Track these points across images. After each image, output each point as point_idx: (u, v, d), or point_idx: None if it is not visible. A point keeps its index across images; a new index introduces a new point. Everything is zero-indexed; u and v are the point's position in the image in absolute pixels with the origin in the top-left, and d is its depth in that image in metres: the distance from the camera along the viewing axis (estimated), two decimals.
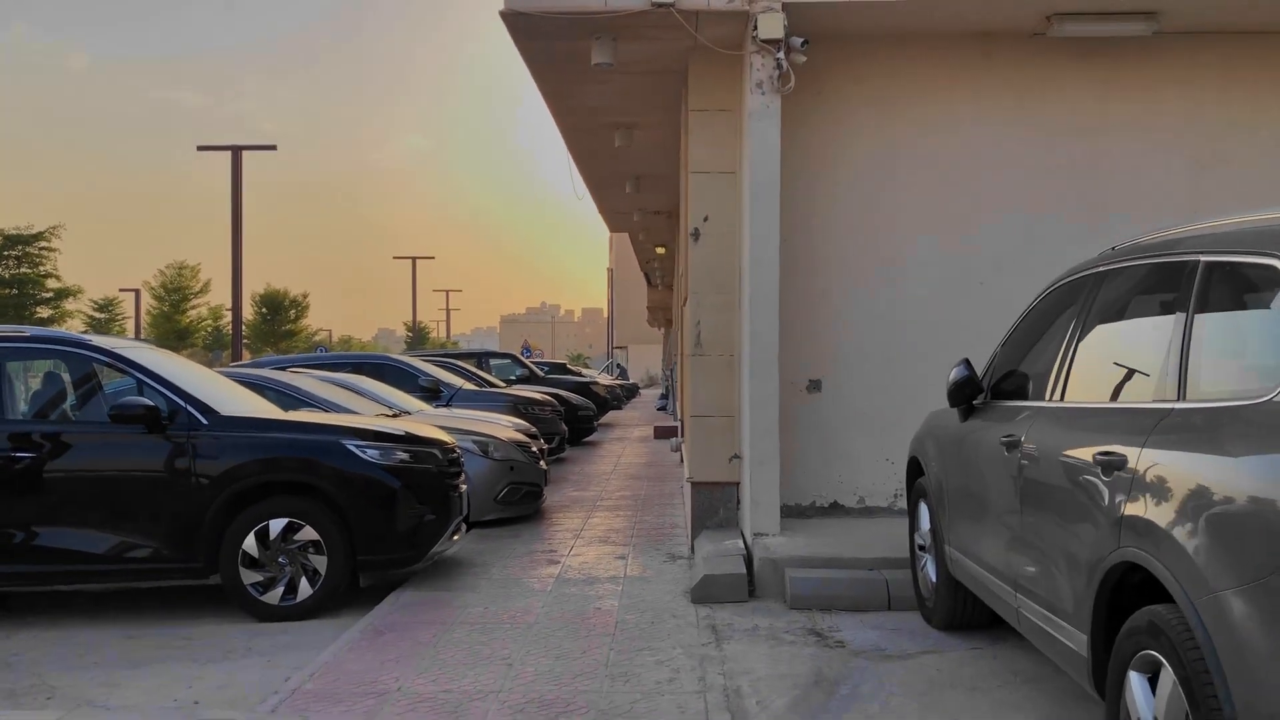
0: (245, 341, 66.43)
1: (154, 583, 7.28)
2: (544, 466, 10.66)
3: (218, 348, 59.53)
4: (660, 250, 22.29)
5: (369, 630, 6.07)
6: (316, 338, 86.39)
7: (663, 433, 20.79)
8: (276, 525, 6.73)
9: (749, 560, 7.06)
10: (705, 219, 8.14)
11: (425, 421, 10.25)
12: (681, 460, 14.51)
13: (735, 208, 8.12)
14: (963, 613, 5.67)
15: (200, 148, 35.01)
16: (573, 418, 18.63)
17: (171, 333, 54.81)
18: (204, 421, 6.79)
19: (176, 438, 6.72)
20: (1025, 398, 4.77)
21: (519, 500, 10.07)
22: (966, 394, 5.14)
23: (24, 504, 6.62)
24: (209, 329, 64.51)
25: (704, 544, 7.76)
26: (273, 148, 35.63)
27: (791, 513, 7.84)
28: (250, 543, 6.68)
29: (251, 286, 68.20)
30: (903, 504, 8.11)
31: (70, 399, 7.34)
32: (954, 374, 5.14)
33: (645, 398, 50.49)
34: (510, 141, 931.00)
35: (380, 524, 6.87)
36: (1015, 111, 8.07)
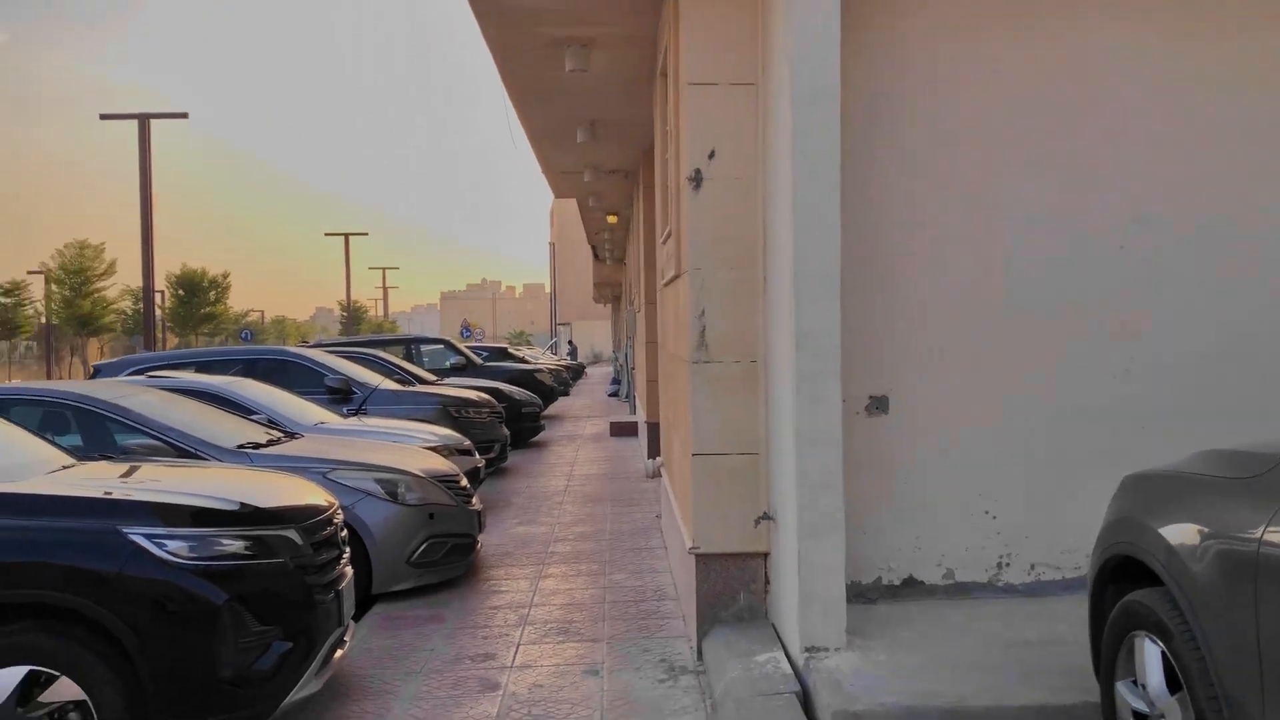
0: (169, 326, 62.63)
1: None
2: (477, 506, 7.87)
3: (137, 333, 55.81)
4: (612, 219, 19.43)
5: None
6: (247, 319, 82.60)
7: (619, 429, 18.05)
8: (7, 680, 3.90)
9: (805, 701, 4.37)
10: (710, 156, 5.37)
11: (310, 448, 7.44)
12: (653, 474, 11.79)
13: (759, 137, 5.36)
14: None
15: (104, 116, 31.85)
16: (516, 415, 15.86)
17: (74, 318, 50.91)
18: None
19: None
20: None
21: (442, 558, 7.27)
22: None
23: None
24: (125, 312, 60.54)
25: (721, 655, 5.04)
26: (184, 115, 32.54)
27: (848, 594, 5.12)
28: None
29: (170, 267, 64.17)
30: (1010, 578, 5.47)
31: None
32: None
33: (592, 378, 47.70)
34: (451, 109, 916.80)
35: (190, 666, 4.07)
36: None
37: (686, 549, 5.55)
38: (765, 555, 5.44)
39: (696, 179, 5.36)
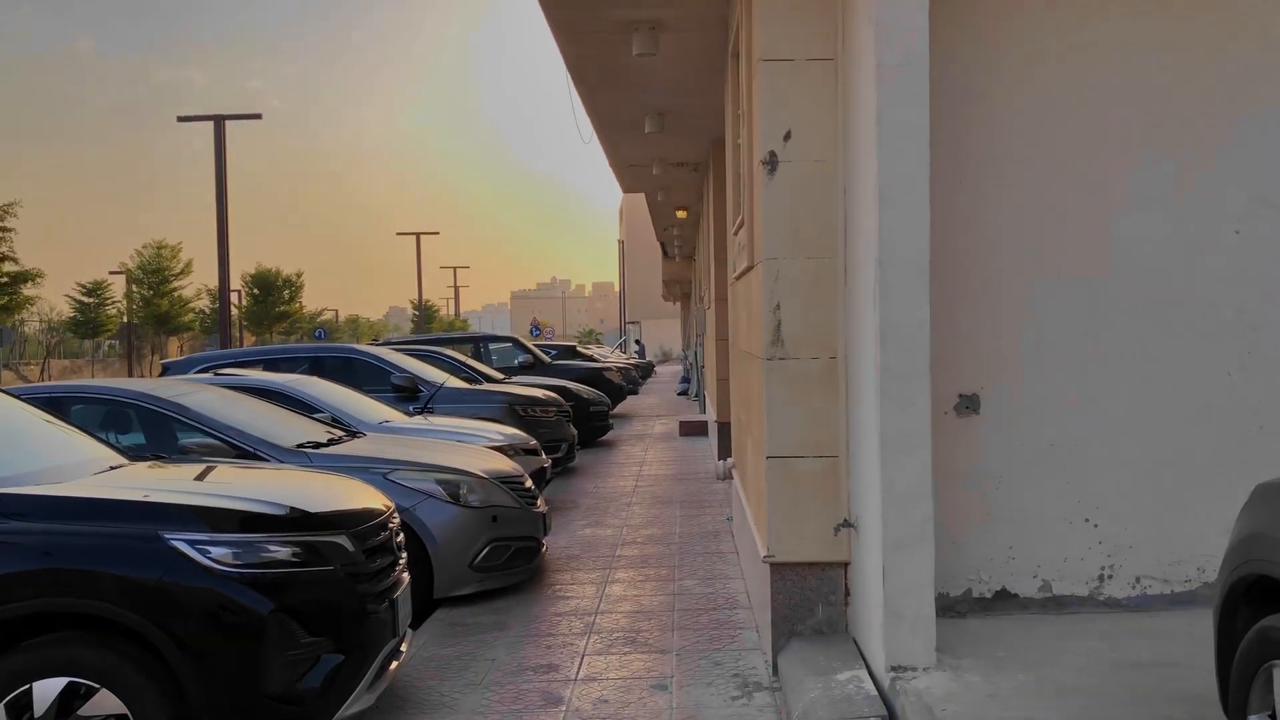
0: (245, 325, 63.76)
1: None
2: (542, 508, 7.61)
3: (215, 331, 56.98)
4: (681, 214, 19.13)
5: None
6: (321, 317, 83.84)
7: (689, 429, 17.72)
8: (47, 691, 3.73)
9: None
10: (786, 137, 5.02)
11: (371, 447, 7.25)
12: (724, 476, 11.45)
13: (838, 116, 5.00)
14: None
15: (181, 118, 32.50)
16: (584, 414, 15.60)
17: (152, 317, 51.95)
18: None
19: None
20: None
21: (505, 563, 7.01)
22: None
23: None
24: (203, 311, 61.73)
25: (798, 672, 4.70)
26: (257, 116, 33.04)
27: (934, 606, 4.73)
28: None
29: (245, 267, 65.24)
30: (1112, 591, 5.04)
31: None
32: None
33: (662, 376, 47.44)
34: (521, 113, 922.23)
35: (235, 680, 3.85)
36: None
37: (760, 557, 5.22)
38: (846, 565, 5.09)
39: (771, 162, 5.01)
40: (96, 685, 3.74)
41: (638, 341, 55.33)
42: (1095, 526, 5.01)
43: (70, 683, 3.73)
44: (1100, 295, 4.96)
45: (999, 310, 4.98)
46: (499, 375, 15.61)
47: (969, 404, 5.02)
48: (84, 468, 4.56)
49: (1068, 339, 4.98)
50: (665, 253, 29.54)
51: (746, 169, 5.71)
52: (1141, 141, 4.94)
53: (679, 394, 30.52)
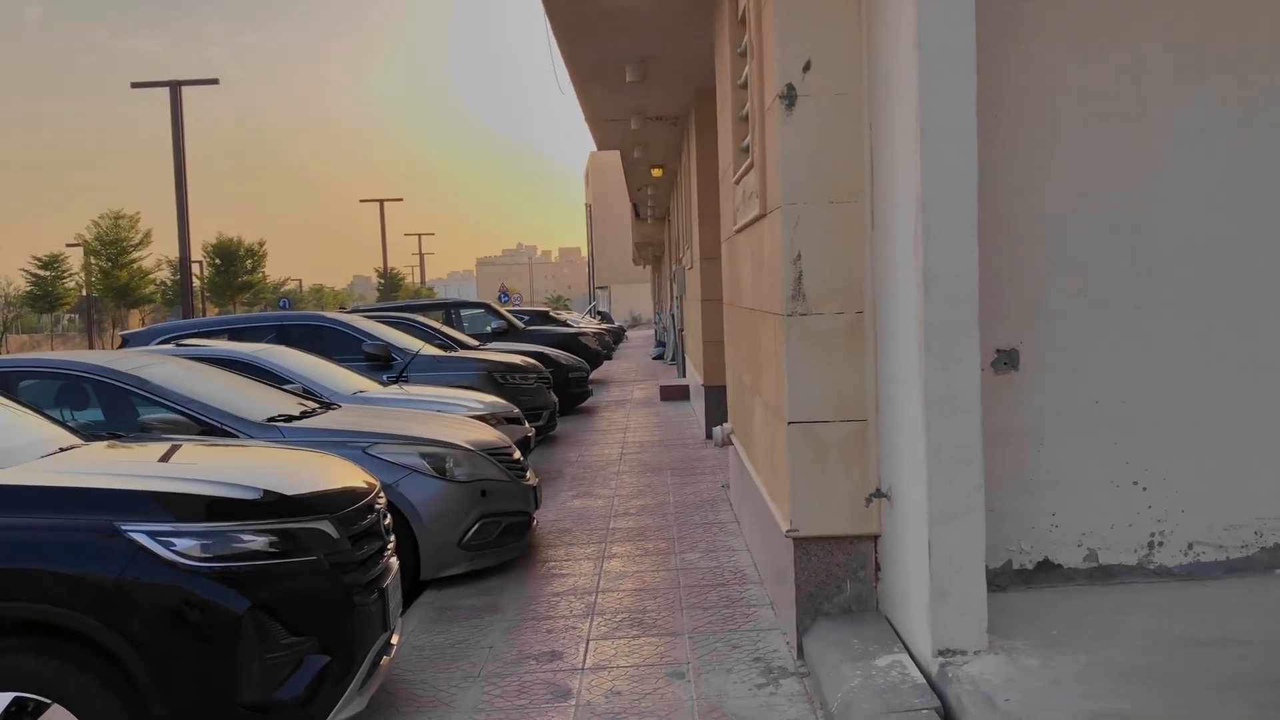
0: (207, 295, 62.53)
1: None
2: (532, 481, 7.14)
3: (178, 303, 55.87)
4: (656, 173, 18.58)
5: None
6: (285, 287, 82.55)
7: (670, 393, 17.29)
8: None
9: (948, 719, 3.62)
10: (806, 68, 4.54)
11: (348, 419, 6.77)
12: (723, 442, 11.02)
13: (862, 43, 4.52)
14: None
15: (135, 84, 31.43)
16: (563, 381, 15.15)
17: (112, 290, 50.80)
18: None
19: None
20: None
21: (496, 539, 6.56)
22: None
23: None
24: (164, 283, 60.49)
25: (830, 657, 4.29)
26: (214, 81, 32.00)
27: None
28: None
29: (205, 237, 63.98)
30: (1163, 560, 4.66)
31: None
32: None
33: (633, 340, 46.93)
34: (487, 76, 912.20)
35: (207, 690, 3.38)
36: None
37: (784, 531, 4.78)
38: (876, 538, 4.67)
39: (789, 96, 4.53)
40: (47, 700, 3.27)
41: (600, 311, 54.15)
42: (1144, 490, 4.62)
43: (16, 698, 3.25)
44: (1148, 239, 4.54)
45: (1040, 256, 4.55)
46: (474, 342, 15.11)
47: (1007, 359, 4.59)
48: (31, 450, 4.05)
49: (1111, 288, 4.56)
50: (637, 214, 28.92)
51: (756, 107, 5.22)
52: (1192, 73, 4.49)
53: (654, 358, 30.09)
